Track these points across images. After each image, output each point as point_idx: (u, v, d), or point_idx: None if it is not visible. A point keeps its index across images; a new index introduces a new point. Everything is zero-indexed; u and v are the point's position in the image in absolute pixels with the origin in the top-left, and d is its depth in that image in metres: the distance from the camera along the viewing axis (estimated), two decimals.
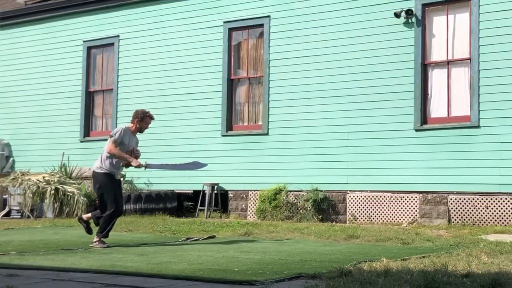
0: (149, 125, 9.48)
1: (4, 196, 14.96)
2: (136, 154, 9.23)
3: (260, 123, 14.10)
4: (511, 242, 8.26)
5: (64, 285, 5.68)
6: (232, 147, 14.24)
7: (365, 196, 12.58)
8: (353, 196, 12.70)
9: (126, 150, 9.14)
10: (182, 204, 14.58)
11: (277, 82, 13.82)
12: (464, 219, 11.55)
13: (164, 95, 15.22)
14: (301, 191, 13.12)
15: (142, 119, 9.32)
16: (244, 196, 13.95)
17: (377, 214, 12.42)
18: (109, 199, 9.04)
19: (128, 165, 9.26)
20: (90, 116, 16.63)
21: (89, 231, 9.35)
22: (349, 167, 12.80)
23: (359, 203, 12.62)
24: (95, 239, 8.99)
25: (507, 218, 11.24)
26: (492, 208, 11.38)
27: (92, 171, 9.32)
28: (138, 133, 9.40)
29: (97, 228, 9.17)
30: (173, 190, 14.66)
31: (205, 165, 10.62)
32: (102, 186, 9.11)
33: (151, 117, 9.43)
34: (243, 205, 13.92)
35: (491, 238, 9.02)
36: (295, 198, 13.15)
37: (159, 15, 15.53)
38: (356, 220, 12.51)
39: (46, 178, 14.28)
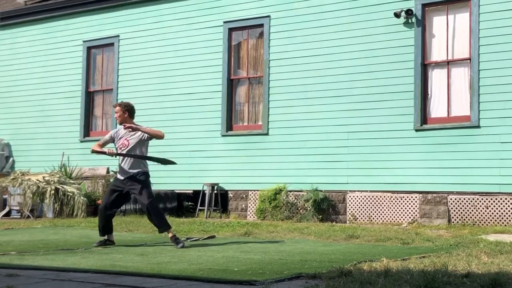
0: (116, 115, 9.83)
1: (4, 196, 14.95)
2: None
3: (260, 123, 14.10)
4: (511, 242, 8.26)
5: (64, 285, 5.67)
6: (232, 147, 14.23)
7: (365, 196, 12.58)
8: (353, 196, 12.70)
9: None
10: (182, 204, 14.57)
11: (277, 82, 13.82)
12: (464, 219, 11.55)
13: (164, 95, 15.22)
14: (301, 191, 13.11)
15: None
16: (244, 196, 13.95)
17: (377, 214, 12.42)
18: None
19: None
20: (90, 116, 16.63)
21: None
22: (349, 167, 12.80)
23: (359, 203, 12.62)
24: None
25: (507, 218, 11.24)
26: (492, 208, 11.38)
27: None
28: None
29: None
30: (173, 190, 14.66)
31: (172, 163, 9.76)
32: None
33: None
34: (243, 205, 13.92)
35: (491, 238, 9.01)
36: (295, 198, 13.15)
37: (159, 15, 15.53)
38: (356, 220, 12.51)
39: (46, 178, 14.27)
